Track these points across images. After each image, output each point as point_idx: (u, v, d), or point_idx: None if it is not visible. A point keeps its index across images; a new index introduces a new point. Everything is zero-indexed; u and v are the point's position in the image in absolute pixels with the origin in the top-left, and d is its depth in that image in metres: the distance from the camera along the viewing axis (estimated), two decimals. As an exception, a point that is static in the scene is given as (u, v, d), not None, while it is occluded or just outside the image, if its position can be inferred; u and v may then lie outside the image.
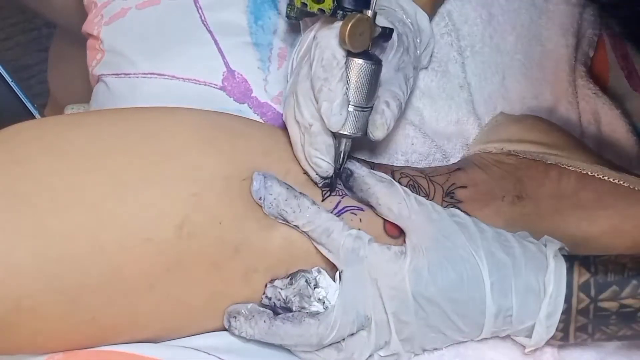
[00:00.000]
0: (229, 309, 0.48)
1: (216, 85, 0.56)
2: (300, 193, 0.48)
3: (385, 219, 0.49)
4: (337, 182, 0.50)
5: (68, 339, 0.44)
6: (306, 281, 0.47)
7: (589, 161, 0.55)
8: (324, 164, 0.48)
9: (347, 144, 0.49)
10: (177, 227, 0.44)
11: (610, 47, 0.65)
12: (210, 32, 0.57)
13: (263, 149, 0.50)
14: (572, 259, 0.47)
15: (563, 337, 0.47)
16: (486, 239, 0.47)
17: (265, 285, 0.48)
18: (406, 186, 0.50)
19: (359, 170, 0.49)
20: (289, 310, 0.47)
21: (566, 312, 0.46)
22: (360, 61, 0.47)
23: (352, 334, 0.47)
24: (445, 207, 0.50)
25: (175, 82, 0.56)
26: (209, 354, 0.47)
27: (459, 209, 0.51)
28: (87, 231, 0.43)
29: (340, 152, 0.49)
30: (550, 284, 0.46)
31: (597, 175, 0.54)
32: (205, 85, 0.56)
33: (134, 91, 0.56)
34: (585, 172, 0.54)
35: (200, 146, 0.47)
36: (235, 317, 0.47)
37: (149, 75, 0.56)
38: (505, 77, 0.63)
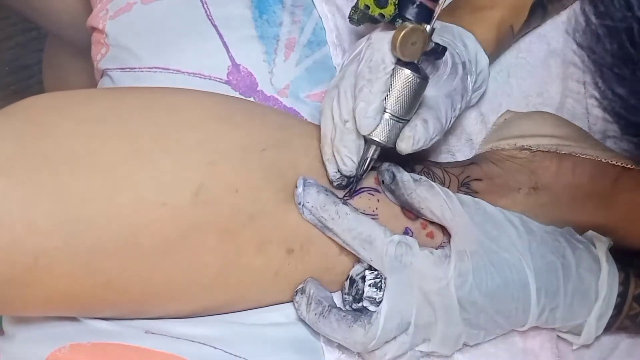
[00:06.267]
0: (304, 281, 0.48)
1: (221, 79, 0.56)
2: (340, 198, 0.47)
3: None
4: (355, 186, 0.49)
5: (83, 301, 0.44)
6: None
7: (600, 149, 0.55)
8: (350, 163, 0.48)
9: (376, 151, 0.48)
10: (193, 193, 0.44)
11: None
12: (215, 26, 0.57)
13: (280, 124, 0.50)
14: (627, 268, 0.48)
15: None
16: (535, 241, 0.47)
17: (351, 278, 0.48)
18: (420, 173, 0.50)
19: (401, 175, 0.48)
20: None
21: (615, 315, 0.47)
22: (407, 72, 0.46)
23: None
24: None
25: (180, 76, 0.56)
26: (215, 347, 0.47)
27: None
28: (104, 194, 0.43)
29: (367, 158, 0.48)
30: (603, 288, 0.46)
31: (611, 161, 0.54)
32: (210, 79, 0.56)
33: (139, 85, 0.56)
34: (599, 160, 0.54)
35: (217, 119, 0.47)
36: (302, 295, 0.48)
37: (154, 70, 0.56)
38: (510, 75, 0.63)
